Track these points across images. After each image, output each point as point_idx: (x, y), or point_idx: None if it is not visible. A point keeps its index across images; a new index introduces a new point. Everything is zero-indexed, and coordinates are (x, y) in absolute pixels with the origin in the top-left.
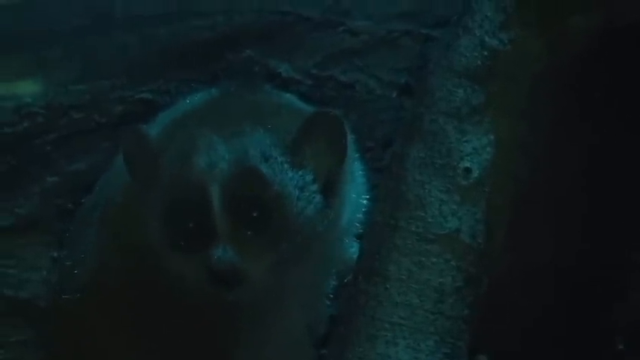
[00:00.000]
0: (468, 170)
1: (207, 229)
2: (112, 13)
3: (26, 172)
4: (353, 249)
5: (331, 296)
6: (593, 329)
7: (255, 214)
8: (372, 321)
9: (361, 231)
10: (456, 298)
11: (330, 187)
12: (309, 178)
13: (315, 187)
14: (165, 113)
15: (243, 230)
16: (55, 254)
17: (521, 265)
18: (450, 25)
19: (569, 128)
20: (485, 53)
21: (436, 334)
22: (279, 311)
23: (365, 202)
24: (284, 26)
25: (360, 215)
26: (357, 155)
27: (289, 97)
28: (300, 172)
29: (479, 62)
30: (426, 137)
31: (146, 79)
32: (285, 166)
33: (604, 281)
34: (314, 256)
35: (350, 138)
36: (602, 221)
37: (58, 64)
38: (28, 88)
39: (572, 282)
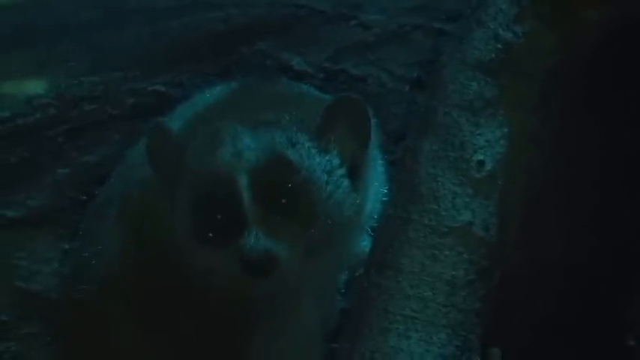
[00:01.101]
0: (481, 163)
1: (237, 219)
2: (125, 5)
3: (38, 164)
4: (365, 242)
5: (343, 290)
6: (604, 325)
7: (284, 200)
8: (384, 314)
9: (374, 224)
10: (469, 291)
11: (355, 172)
12: (335, 162)
13: (342, 172)
14: (184, 107)
15: (273, 217)
16: (67, 246)
17: (533, 260)
18: (462, 18)
19: (581, 122)
20: (499, 46)
21: (448, 326)
22: (294, 304)
23: (384, 191)
24: (297, 19)
25: (379, 205)
26: (378, 143)
27: (308, 88)
28: (326, 157)
29: (492, 55)
30: (439, 130)
31: (159, 71)
32: (312, 151)
33: (614, 277)
34: (339, 243)
35: (373, 123)
36: (613, 217)
37: (70, 55)
38: (40, 82)
39: (583, 277)
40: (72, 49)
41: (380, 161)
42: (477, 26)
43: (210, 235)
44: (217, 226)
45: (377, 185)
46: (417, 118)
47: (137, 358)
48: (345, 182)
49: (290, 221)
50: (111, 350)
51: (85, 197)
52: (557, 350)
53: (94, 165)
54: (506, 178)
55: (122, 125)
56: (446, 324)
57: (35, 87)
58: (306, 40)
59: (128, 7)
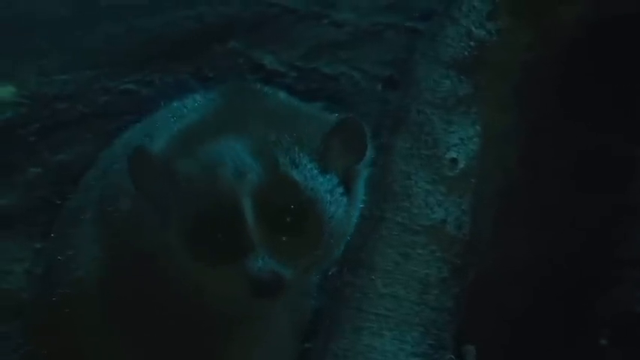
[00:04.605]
0: (454, 161)
1: (242, 241)
2: (97, 3)
3: (9, 163)
4: None
5: (316, 290)
6: (577, 323)
7: (289, 221)
8: (357, 313)
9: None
10: (442, 290)
11: (347, 186)
12: (335, 181)
13: (341, 190)
14: (163, 121)
15: (278, 237)
16: (39, 246)
17: (506, 258)
18: (435, 16)
19: (556, 120)
20: (472, 44)
21: (421, 325)
22: (269, 306)
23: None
24: (269, 18)
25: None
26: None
27: (297, 102)
28: (327, 177)
29: (466, 53)
30: (412, 128)
31: (130, 69)
32: (314, 171)
33: (587, 275)
34: (333, 256)
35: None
36: (587, 215)
37: (41, 54)
38: (11, 81)
39: (556, 275)
40: (43, 47)
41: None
42: (449, 24)
43: (211, 254)
44: (219, 246)
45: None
46: (390, 117)
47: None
48: (344, 200)
49: (295, 241)
50: (84, 354)
51: (56, 197)
52: (531, 348)
53: (66, 164)
54: (480, 176)
55: (94, 124)
56: (419, 322)
57: (6, 86)
58: (279, 39)
59: (100, 6)
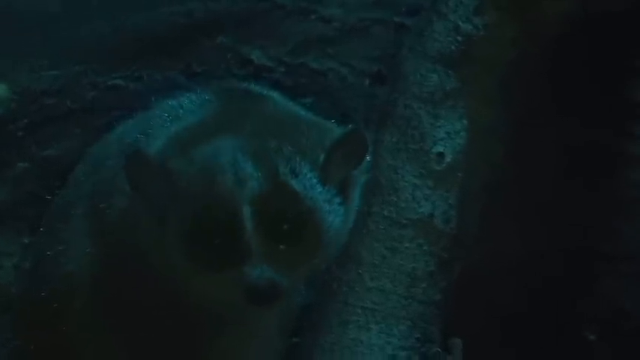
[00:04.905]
0: (441, 155)
1: (239, 248)
2: None
3: None
4: None
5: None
6: (565, 318)
7: (287, 230)
8: (344, 306)
9: None
10: (429, 283)
11: (344, 193)
12: (333, 191)
13: (339, 200)
14: (158, 122)
15: (276, 245)
16: (27, 240)
17: (494, 252)
18: (422, 11)
19: (542, 114)
20: (459, 38)
21: (409, 318)
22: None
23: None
24: (257, 13)
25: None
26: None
27: (292, 105)
28: (326, 187)
29: (453, 47)
30: (400, 122)
31: (119, 65)
32: (314, 181)
33: (575, 271)
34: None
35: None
36: (574, 210)
37: (30, 49)
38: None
39: (544, 270)
40: (32, 43)
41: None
42: (437, 19)
43: (208, 260)
44: (216, 251)
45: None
46: (377, 111)
47: (100, 357)
48: (342, 210)
49: (292, 250)
50: (73, 348)
51: (45, 191)
52: (519, 341)
53: (55, 159)
54: (467, 170)
55: (82, 119)
56: (406, 316)
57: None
58: (267, 34)
59: (88, 1)
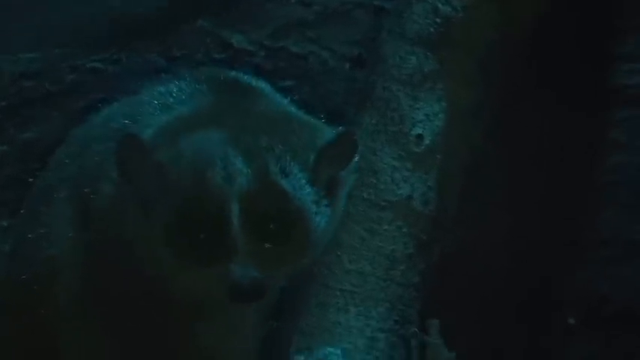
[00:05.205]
0: (420, 137)
1: (224, 244)
2: None
3: None
4: None
5: None
6: (544, 302)
7: (274, 230)
8: (323, 289)
9: None
10: (408, 266)
11: (330, 193)
12: (321, 192)
13: (326, 201)
14: (148, 110)
15: (262, 244)
16: (6, 223)
17: (474, 235)
18: None
19: (522, 96)
20: (438, 20)
21: (387, 301)
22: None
23: None
24: None
25: None
26: None
27: (283, 102)
28: (315, 188)
29: (432, 29)
30: (379, 104)
31: (98, 47)
32: (303, 182)
33: (554, 255)
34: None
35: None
36: (553, 193)
37: (8, 32)
38: None
39: (523, 253)
40: (10, 25)
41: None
42: (416, 1)
43: (193, 254)
44: (202, 246)
45: None
46: (356, 94)
47: (81, 341)
48: (328, 211)
49: (278, 250)
50: (54, 332)
51: (23, 174)
52: (497, 324)
53: (33, 142)
54: (446, 153)
55: (61, 102)
56: (385, 298)
57: None
58: (247, 18)
59: None
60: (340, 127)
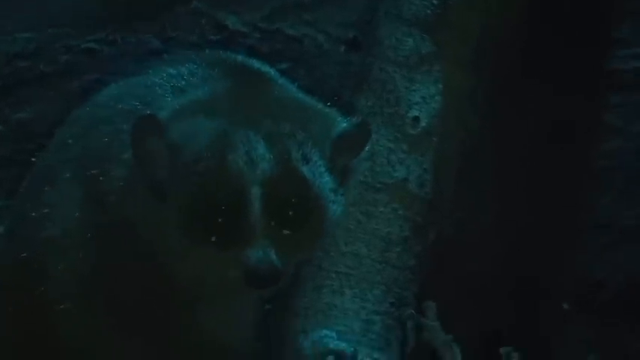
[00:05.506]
0: (416, 119)
1: (243, 229)
2: None
3: None
4: None
5: None
6: (539, 285)
7: (293, 216)
8: (318, 271)
9: None
10: (403, 248)
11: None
12: (337, 180)
13: (342, 190)
14: (160, 92)
15: (280, 230)
16: (1, 203)
17: (470, 217)
18: None
19: (518, 79)
20: (435, 2)
21: (383, 283)
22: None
23: None
24: None
25: None
26: None
27: (295, 90)
28: (332, 176)
29: (428, 11)
30: (375, 86)
31: (93, 28)
32: (322, 169)
33: (549, 239)
34: None
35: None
36: (549, 178)
37: (3, 12)
38: None
39: (519, 238)
40: (5, 5)
41: None
42: None
43: (208, 237)
44: (218, 230)
45: None
46: (353, 76)
47: (84, 319)
48: (343, 200)
49: (296, 236)
50: (52, 311)
51: (18, 155)
52: (493, 308)
53: (28, 122)
54: (442, 135)
55: (56, 83)
56: (380, 280)
57: None
58: (242, 0)
59: None
60: (354, 117)
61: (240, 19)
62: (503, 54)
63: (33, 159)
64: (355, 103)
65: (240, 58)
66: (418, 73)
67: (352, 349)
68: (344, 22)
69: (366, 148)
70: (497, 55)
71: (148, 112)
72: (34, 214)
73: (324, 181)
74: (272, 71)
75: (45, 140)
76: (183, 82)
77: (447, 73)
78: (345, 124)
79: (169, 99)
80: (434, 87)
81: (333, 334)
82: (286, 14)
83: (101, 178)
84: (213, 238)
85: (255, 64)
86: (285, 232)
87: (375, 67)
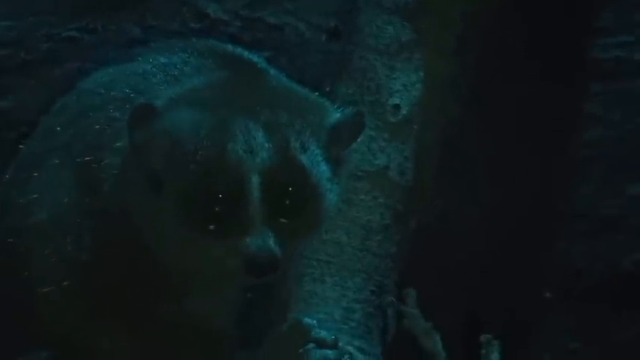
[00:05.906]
0: (397, 107)
1: (242, 217)
2: None
3: None
4: None
5: None
6: (521, 275)
7: (291, 204)
8: (299, 259)
9: None
10: (384, 236)
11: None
12: (333, 169)
13: (337, 180)
14: (153, 80)
15: (279, 219)
16: None
17: (450, 206)
18: None
19: (500, 67)
20: None
21: (363, 271)
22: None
23: None
24: None
25: None
26: None
27: (288, 81)
28: (328, 165)
29: None
30: (355, 74)
31: (73, 16)
32: (319, 158)
33: (530, 228)
34: None
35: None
36: (529, 167)
37: None
38: None
39: (499, 226)
40: None
41: None
42: None
43: (205, 226)
44: (216, 219)
45: None
46: (333, 64)
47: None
48: (338, 189)
49: (293, 225)
50: (38, 295)
51: None
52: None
53: (9, 110)
54: (423, 123)
55: (37, 71)
56: (361, 268)
57: None
58: None
59: None
60: (351, 108)
61: (222, 7)
62: (484, 42)
63: (20, 146)
64: (336, 91)
65: (230, 47)
66: (399, 60)
67: (333, 336)
68: (325, 11)
69: (359, 139)
70: (478, 42)
71: (144, 100)
72: (21, 200)
73: (322, 170)
74: (262, 61)
75: (27, 129)
76: (177, 71)
77: (428, 60)
78: (339, 115)
79: (163, 88)
80: (414, 75)
81: (314, 322)
82: (267, 3)
83: (93, 165)
84: (212, 227)
85: (245, 53)
86: (283, 220)
87: (355, 55)
